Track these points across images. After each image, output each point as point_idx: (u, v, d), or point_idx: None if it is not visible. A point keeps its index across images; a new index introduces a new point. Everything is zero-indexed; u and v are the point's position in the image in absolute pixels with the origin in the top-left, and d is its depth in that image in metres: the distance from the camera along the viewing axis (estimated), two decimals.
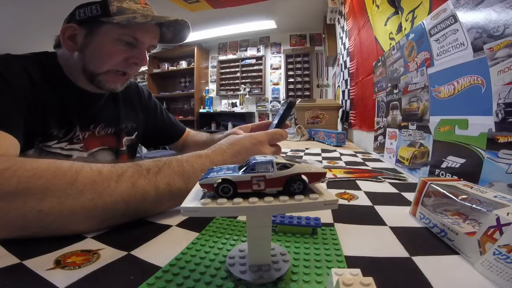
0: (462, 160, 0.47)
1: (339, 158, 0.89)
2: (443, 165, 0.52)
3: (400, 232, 0.31)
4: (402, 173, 0.64)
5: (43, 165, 0.28)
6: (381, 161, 0.85)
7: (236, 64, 4.12)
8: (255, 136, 0.45)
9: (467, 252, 0.25)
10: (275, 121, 0.51)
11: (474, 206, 0.28)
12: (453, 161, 0.49)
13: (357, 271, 0.17)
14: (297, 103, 1.68)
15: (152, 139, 0.85)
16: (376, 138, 1.01)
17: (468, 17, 0.45)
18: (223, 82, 4.22)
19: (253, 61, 4.04)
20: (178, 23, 0.60)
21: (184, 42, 0.68)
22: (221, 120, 4.14)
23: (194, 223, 0.32)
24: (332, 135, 1.29)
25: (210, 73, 4.36)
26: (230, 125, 3.86)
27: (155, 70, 4.31)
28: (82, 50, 0.55)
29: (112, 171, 0.31)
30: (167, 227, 0.32)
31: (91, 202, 0.28)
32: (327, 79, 3.41)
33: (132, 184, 0.31)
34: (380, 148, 0.94)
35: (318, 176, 0.21)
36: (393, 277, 0.22)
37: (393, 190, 0.50)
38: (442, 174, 0.52)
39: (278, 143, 0.49)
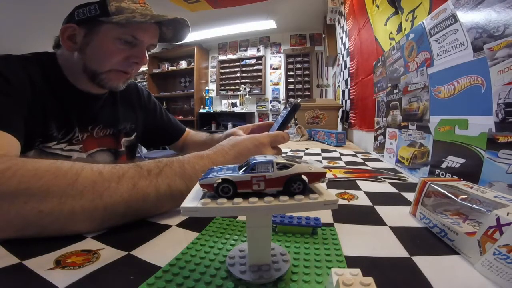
0: (462, 160, 0.47)
1: (339, 158, 0.89)
2: (443, 165, 0.52)
3: (400, 232, 0.31)
4: (402, 173, 0.64)
5: (44, 165, 0.28)
6: (381, 161, 0.85)
7: (236, 64, 4.11)
8: (257, 137, 0.45)
9: (467, 252, 0.25)
10: (277, 123, 0.51)
11: (474, 206, 0.28)
12: (453, 161, 0.49)
13: (357, 271, 0.17)
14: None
15: (152, 139, 0.85)
16: (376, 138, 1.01)
17: (468, 17, 0.45)
18: (223, 82, 4.21)
19: (253, 61, 4.03)
20: (177, 21, 0.60)
21: (184, 41, 0.68)
22: (221, 120, 4.14)
23: (194, 223, 0.32)
24: (332, 135, 1.29)
25: (210, 73, 4.36)
26: (230, 125, 3.86)
27: (155, 70, 4.30)
28: (82, 49, 0.55)
29: (113, 172, 0.31)
30: (167, 227, 0.32)
31: (91, 203, 0.28)
32: (327, 79, 3.41)
33: (133, 185, 0.31)
34: (380, 148, 0.94)
35: (318, 176, 0.21)
36: (393, 277, 0.22)
37: (393, 190, 0.50)
38: (442, 174, 0.52)
39: (279, 145, 0.49)
